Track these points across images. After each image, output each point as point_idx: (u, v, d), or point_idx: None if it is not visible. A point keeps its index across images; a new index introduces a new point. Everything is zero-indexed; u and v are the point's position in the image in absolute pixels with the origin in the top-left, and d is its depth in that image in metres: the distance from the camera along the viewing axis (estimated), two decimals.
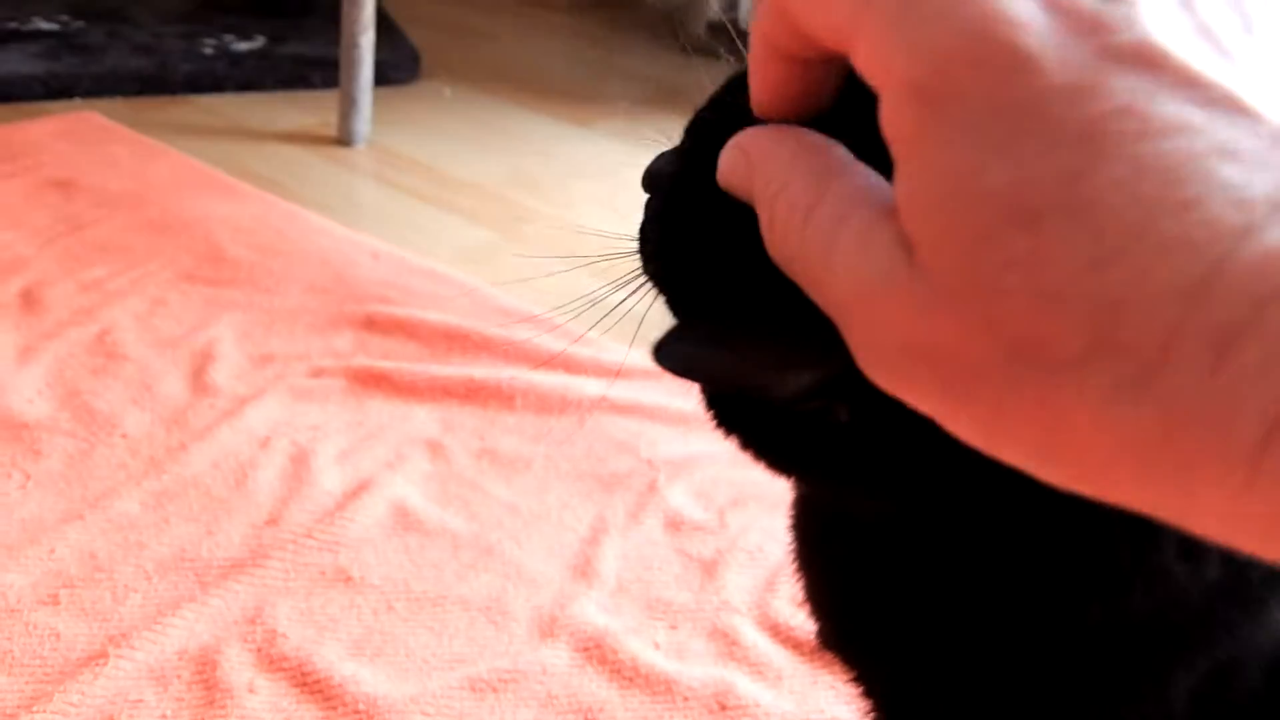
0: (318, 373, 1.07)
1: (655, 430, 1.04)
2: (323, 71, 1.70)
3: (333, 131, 1.57)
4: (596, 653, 0.80)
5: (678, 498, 0.96)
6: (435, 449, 0.99)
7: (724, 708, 0.76)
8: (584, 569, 0.87)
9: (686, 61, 2.06)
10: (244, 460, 0.94)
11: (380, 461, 0.96)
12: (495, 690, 0.76)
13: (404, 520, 0.90)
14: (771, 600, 0.86)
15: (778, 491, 1.02)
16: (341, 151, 1.56)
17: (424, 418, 1.03)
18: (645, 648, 0.81)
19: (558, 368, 1.11)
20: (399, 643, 0.79)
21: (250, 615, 0.79)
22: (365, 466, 0.96)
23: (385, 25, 1.88)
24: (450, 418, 1.03)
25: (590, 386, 1.09)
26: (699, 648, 0.82)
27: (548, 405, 1.06)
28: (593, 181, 1.57)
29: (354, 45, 1.49)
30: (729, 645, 0.82)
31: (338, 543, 0.86)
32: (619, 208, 1.50)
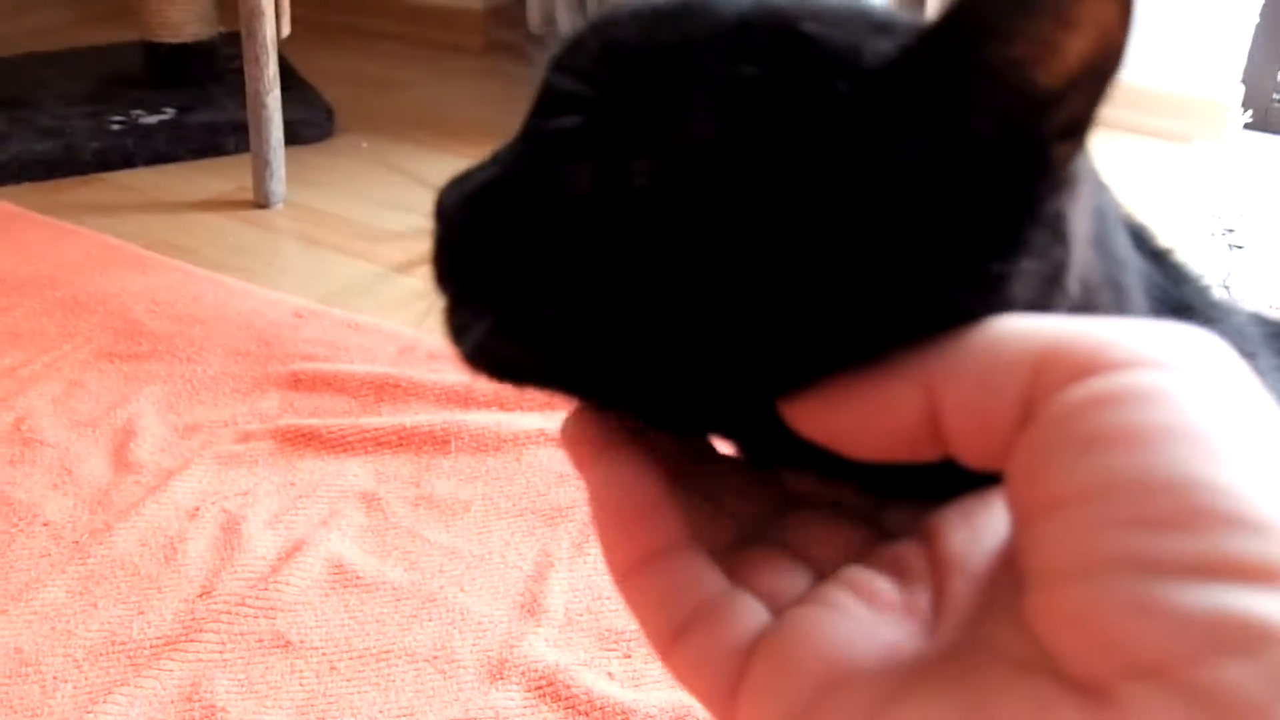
0: (245, 437, 1.04)
1: None
2: (235, 136, 1.68)
3: (249, 195, 1.55)
4: (549, 690, 0.78)
5: None
6: (370, 501, 0.97)
7: None
8: (531, 606, 0.85)
9: None
10: (172, 535, 0.91)
11: (314, 520, 0.94)
12: None
13: (341, 577, 0.88)
14: None
15: None
16: (260, 214, 1.54)
17: (357, 471, 1.01)
18: (599, 679, 0.79)
19: (492, 406, 1.10)
20: (344, 703, 0.77)
21: (187, 693, 0.77)
22: (298, 527, 0.93)
23: (295, 83, 1.87)
24: (384, 468, 1.01)
25: (526, 421, 1.07)
26: (654, 674, 0.80)
27: (483, 445, 1.04)
28: None
29: (261, 105, 1.47)
30: None
31: (273, 608, 0.84)
32: None
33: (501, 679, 0.79)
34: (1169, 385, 0.22)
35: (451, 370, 1.15)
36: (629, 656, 0.81)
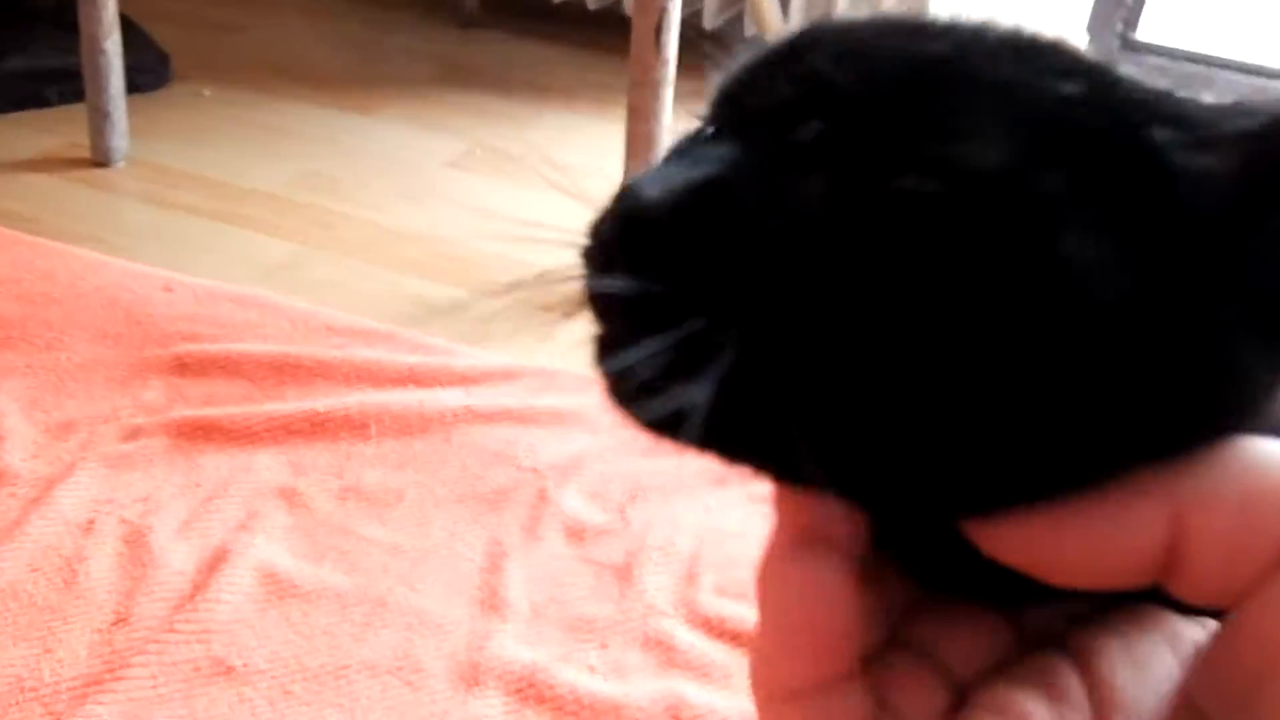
0: (133, 434, 0.93)
1: (530, 434, 0.96)
2: (60, 86, 1.50)
3: (86, 152, 1.38)
4: (531, 691, 0.73)
5: (572, 503, 0.89)
6: (290, 497, 0.88)
7: None
8: (492, 601, 0.80)
9: (466, 36, 1.96)
10: (68, 554, 0.80)
11: (230, 524, 0.84)
12: None
13: (276, 587, 0.79)
14: (696, 595, 0.81)
15: (672, 479, 0.96)
16: (101, 174, 1.37)
17: (269, 464, 0.91)
18: (580, 674, 0.74)
19: (407, 383, 1.01)
20: None
21: None
22: (214, 533, 0.83)
23: (124, 25, 1.68)
24: (299, 459, 0.92)
25: (448, 398, 1.00)
26: (636, 661, 0.76)
27: (407, 427, 0.96)
28: (392, 175, 1.45)
29: (98, 51, 1.30)
30: (666, 653, 0.77)
31: (207, 630, 0.75)
32: (425, 202, 1.39)
33: (477, 685, 0.73)
34: None
35: (357, 345, 1.06)
36: (606, 646, 0.77)
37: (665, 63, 1.13)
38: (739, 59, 0.27)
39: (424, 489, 0.90)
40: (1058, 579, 0.22)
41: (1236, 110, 0.23)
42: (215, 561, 0.80)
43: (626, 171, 1.17)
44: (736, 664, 0.76)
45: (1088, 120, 0.22)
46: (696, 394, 0.21)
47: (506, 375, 1.04)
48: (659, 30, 1.11)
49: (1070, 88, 0.22)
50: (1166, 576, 0.22)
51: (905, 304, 0.21)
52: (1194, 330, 0.22)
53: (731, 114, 0.26)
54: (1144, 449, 0.22)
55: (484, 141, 1.58)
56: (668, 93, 1.17)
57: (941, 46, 0.23)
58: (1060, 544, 0.22)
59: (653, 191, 0.23)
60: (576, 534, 0.86)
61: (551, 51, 1.91)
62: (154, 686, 0.71)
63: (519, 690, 0.73)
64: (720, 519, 0.89)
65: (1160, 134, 0.22)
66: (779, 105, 0.24)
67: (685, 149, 0.26)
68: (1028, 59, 0.23)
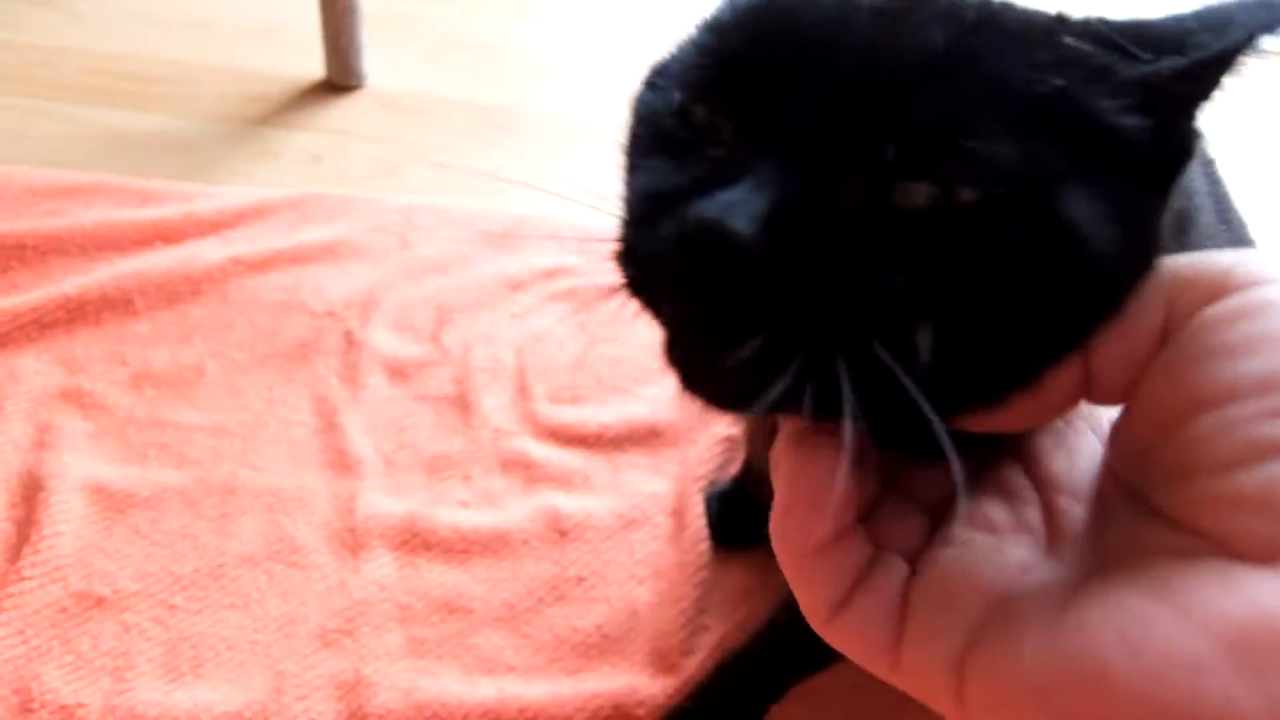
0: None
1: (310, 274, 0.92)
2: None
3: None
4: (417, 541, 0.75)
5: (383, 340, 0.88)
6: (79, 399, 0.81)
7: (563, 534, 0.77)
8: (342, 461, 0.79)
9: None
10: None
11: (23, 446, 0.77)
12: (348, 633, 0.70)
13: (111, 502, 0.74)
14: (534, 408, 0.85)
15: (470, 293, 0.96)
16: None
17: (36, 368, 0.82)
18: (457, 512, 0.77)
19: (154, 241, 0.92)
20: (210, 639, 0.69)
21: (16, 706, 0.64)
22: (11, 460, 0.76)
23: None
24: (69, 354, 0.83)
25: (207, 251, 0.92)
26: (501, 486, 0.80)
27: (176, 294, 0.89)
28: None
29: None
30: (526, 470, 0.81)
31: (57, 568, 0.70)
32: (76, 9, 1.20)
33: (363, 548, 0.74)
34: None
35: (74, 206, 0.94)
36: (469, 478, 0.80)
37: None
38: (715, 31, 0.31)
39: (221, 358, 0.85)
40: (1009, 428, 0.30)
41: (1148, 70, 0.29)
42: (31, 491, 0.73)
43: None
44: (592, 466, 0.81)
45: (1070, 112, 0.28)
46: (778, 383, 0.27)
47: (258, 212, 0.97)
48: None
49: (1056, 82, 0.28)
50: (1088, 393, 0.29)
51: (983, 284, 0.27)
52: (1149, 254, 0.29)
53: (755, 113, 0.29)
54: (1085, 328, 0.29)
55: None
56: None
57: (945, 37, 0.28)
58: (1017, 410, 0.30)
59: (740, 224, 0.26)
60: (399, 372, 0.86)
61: None
62: (24, 640, 0.66)
63: (405, 543, 0.75)
64: (529, 325, 0.91)
65: (1107, 105, 0.28)
66: (818, 118, 0.28)
67: (690, 143, 0.30)
68: (1020, 50, 0.28)
